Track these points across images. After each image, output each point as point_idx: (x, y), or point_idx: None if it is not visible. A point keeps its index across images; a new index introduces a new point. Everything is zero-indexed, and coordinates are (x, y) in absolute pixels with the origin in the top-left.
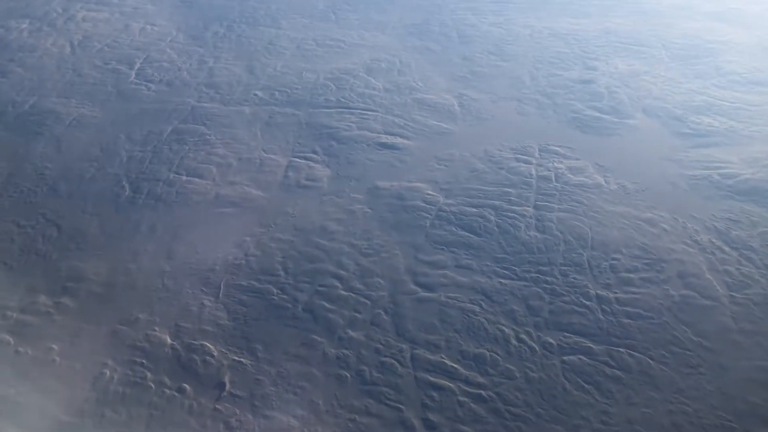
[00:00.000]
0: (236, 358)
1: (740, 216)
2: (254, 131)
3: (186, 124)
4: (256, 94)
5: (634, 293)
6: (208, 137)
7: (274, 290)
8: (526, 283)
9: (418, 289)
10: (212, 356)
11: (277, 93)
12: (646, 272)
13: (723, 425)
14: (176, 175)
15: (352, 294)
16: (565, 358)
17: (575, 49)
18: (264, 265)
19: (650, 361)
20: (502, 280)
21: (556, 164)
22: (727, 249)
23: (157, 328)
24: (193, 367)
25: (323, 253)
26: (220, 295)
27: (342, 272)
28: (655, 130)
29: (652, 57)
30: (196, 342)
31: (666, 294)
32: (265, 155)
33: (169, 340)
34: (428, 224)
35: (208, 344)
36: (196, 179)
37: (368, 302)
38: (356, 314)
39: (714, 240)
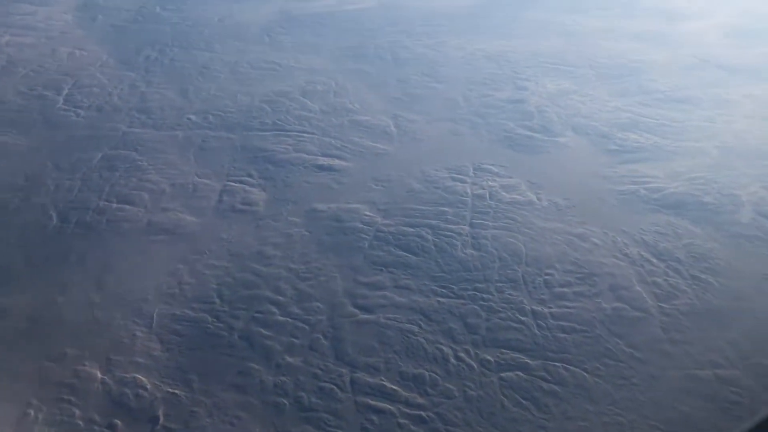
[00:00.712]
0: (170, 390)
1: (667, 228)
2: (187, 156)
3: (117, 151)
4: (189, 118)
5: (567, 307)
6: (139, 163)
7: (209, 318)
8: (463, 301)
9: (357, 312)
10: (145, 389)
11: (211, 117)
12: (579, 286)
13: None
14: (106, 203)
15: (289, 319)
16: (502, 374)
17: (506, 70)
18: (198, 293)
19: (585, 374)
20: (440, 299)
21: (490, 182)
22: (655, 261)
23: (86, 363)
24: (125, 401)
25: (260, 278)
26: (153, 325)
27: (279, 297)
28: (584, 147)
29: (579, 77)
30: (128, 375)
31: (598, 307)
32: (199, 180)
33: (99, 375)
34: (366, 245)
35: (141, 377)
36: (127, 206)
37: (306, 327)
38: (294, 340)
39: (643, 253)
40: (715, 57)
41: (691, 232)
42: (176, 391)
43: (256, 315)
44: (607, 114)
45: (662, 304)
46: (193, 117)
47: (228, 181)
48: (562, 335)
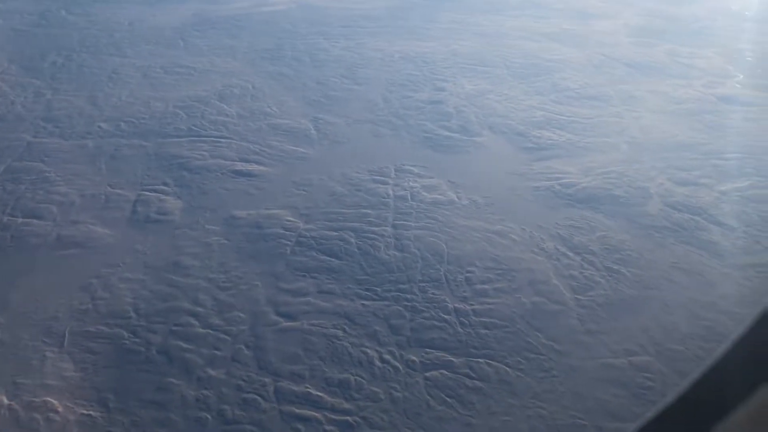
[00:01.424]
0: (84, 411)
1: (581, 222)
2: (98, 166)
3: (22, 162)
4: (99, 126)
5: (489, 304)
6: (47, 174)
7: (125, 334)
8: (387, 303)
9: (280, 320)
10: (56, 412)
11: (123, 124)
12: (499, 282)
13: (575, 424)
14: (11, 218)
15: (210, 331)
16: (427, 374)
17: (425, 71)
18: (113, 308)
19: (507, 369)
20: (365, 302)
21: (411, 183)
22: (570, 254)
23: None
24: (35, 427)
25: (177, 290)
26: (65, 344)
27: (199, 309)
28: (501, 145)
29: (495, 76)
30: (37, 399)
31: (518, 302)
32: (111, 190)
33: (5, 400)
34: (288, 251)
35: (52, 400)
36: (35, 220)
37: (228, 338)
38: (216, 352)
39: (559, 247)
40: (623, 55)
41: (604, 224)
42: (91, 413)
43: (175, 328)
44: (522, 113)
45: (579, 296)
46: (103, 125)
47: (142, 190)
48: (485, 331)
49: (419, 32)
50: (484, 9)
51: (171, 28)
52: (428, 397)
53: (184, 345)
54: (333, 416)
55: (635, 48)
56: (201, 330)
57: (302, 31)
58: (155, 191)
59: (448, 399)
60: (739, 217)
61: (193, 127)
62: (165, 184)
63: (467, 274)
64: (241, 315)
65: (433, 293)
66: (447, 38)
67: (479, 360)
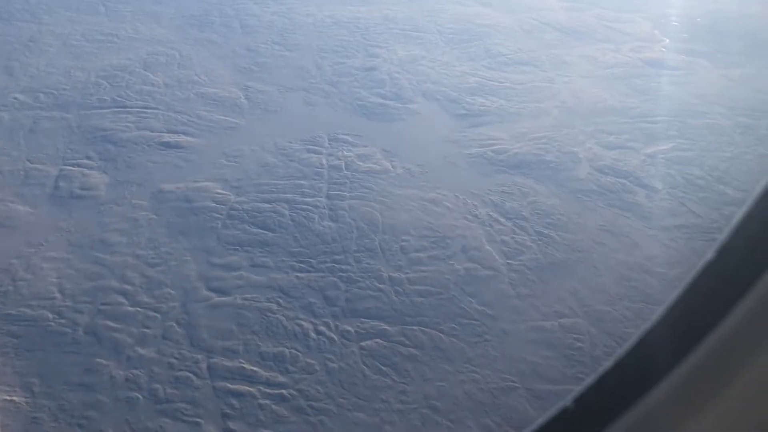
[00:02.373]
0: (7, 397)
1: (512, 188)
2: (16, 140)
3: None
4: (16, 98)
5: (423, 272)
6: None
7: (50, 315)
8: (322, 274)
9: (212, 295)
10: None
11: (41, 95)
12: (433, 250)
13: (508, 387)
14: None
15: (139, 309)
16: (362, 344)
17: (357, 37)
18: (36, 289)
19: (441, 335)
20: (299, 274)
21: (345, 153)
22: (502, 220)
23: None
24: None
25: (104, 268)
26: None
27: (127, 287)
28: (435, 112)
29: (428, 42)
30: None
31: (452, 269)
32: (31, 165)
33: None
34: (220, 225)
35: None
36: None
37: (158, 315)
38: (146, 330)
39: (491, 213)
40: (554, 20)
41: (535, 190)
42: (14, 398)
43: (103, 307)
44: (455, 79)
45: (510, 261)
46: (20, 96)
47: (64, 165)
48: (419, 299)
49: None
50: None
51: None
52: (364, 366)
53: (113, 324)
54: (268, 390)
55: (566, 13)
56: (130, 308)
57: None
58: (78, 166)
59: (383, 368)
60: (664, 179)
61: (117, 98)
62: (88, 158)
63: (402, 243)
64: (172, 292)
65: (368, 263)
66: (379, 3)
67: (413, 328)
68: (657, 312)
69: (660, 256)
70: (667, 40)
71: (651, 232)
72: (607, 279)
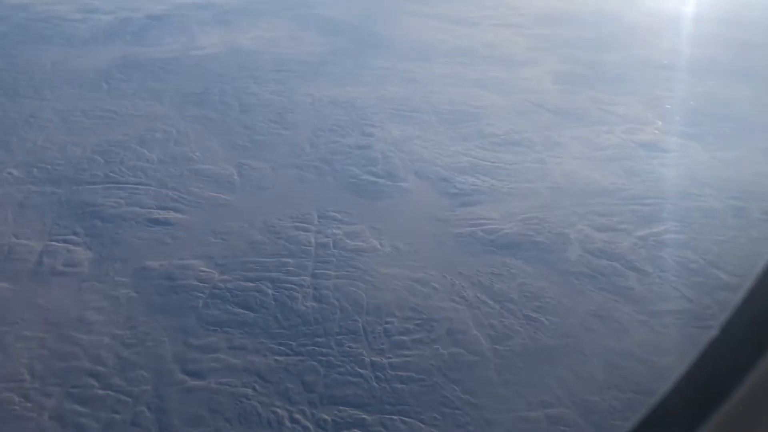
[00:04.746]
0: None
1: (502, 269)
2: (4, 215)
3: None
4: (10, 173)
5: (406, 356)
6: None
7: (16, 399)
8: (301, 358)
9: (186, 378)
10: None
11: (35, 170)
12: (418, 333)
13: None
14: None
15: (110, 392)
16: None
17: (353, 116)
18: (5, 370)
19: (422, 426)
20: (278, 357)
21: (334, 230)
22: (491, 303)
23: None
24: None
25: (78, 348)
26: None
27: (99, 368)
28: (426, 191)
29: (423, 122)
30: None
31: (436, 354)
32: (16, 241)
33: None
34: (201, 304)
35: None
36: None
37: (129, 399)
38: (114, 415)
39: (479, 295)
40: (547, 101)
41: (524, 271)
42: None
43: (72, 390)
44: (447, 158)
45: (497, 346)
46: (14, 171)
47: (50, 240)
48: (400, 386)
49: (349, 78)
50: (414, 56)
51: (95, 70)
52: None
53: (81, 409)
54: None
55: (559, 95)
56: (100, 391)
57: (232, 74)
58: (64, 241)
59: None
60: (656, 262)
61: (110, 174)
62: (75, 233)
63: (386, 325)
64: (145, 374)
65: (349, 346)
66: (376, 84)
67: (393, 417)
68: (659, 394)
69: (651, 343)
70: (660, 123)
71: (642, 317)
72: (596, 367)
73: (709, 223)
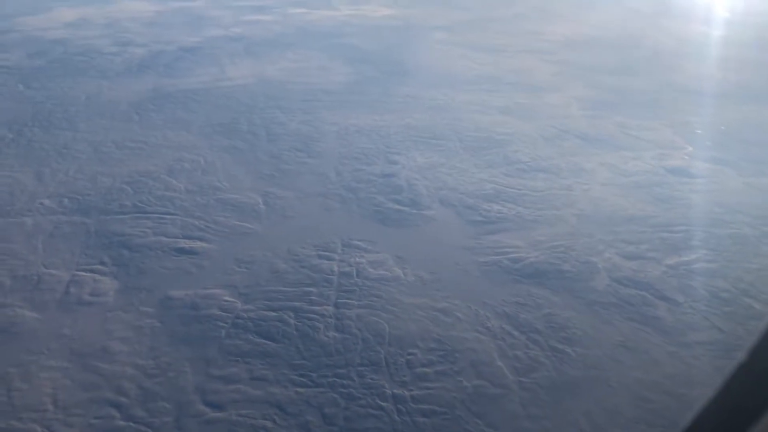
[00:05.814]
0: None
1: (527, 299)
2: (35, 244)
3: None
4: (42, 203)
5: (428, 388)
6: None
7: (39, 429)
8: (322, 390)
9: (207, 410)
10: None
11: (66, 200)
12: (441, 365)
13: None
14: None
15: (131, 423)
16: None
17: (379, 144)
18: (29, 400)
19: None
20: (299, 389)
21: (357, 259)
22: (516, 333)
23: None
24: None
25: (102, 378)
26: None
27: (122, 399)
28: (450, 219)
29: (448, 149)
30: None
31: (459, 386)
32: (45, 270)
33: None
34: (223, 334)
35: None
36: None
37: (150, 431)
38: None
39: (504, 325)
40: (575, 128)
41: (550, 301)
42: None
43: (94, 421)
44: (472, 186)
45: (522, 379)
46: (46, 201)
47: (77, 270)
48: (422, 419)
49: (375, 106)
50: (439, 84)
51: (127, 102)
52: None
53: None
54: None
55: (586, 120)
56: (122, 422)
57: (260, 105)
58: (91, 271)
59: None
60: (687, 292)
61: (138, 203)
62: (102, 263)
63: (408, 357)
64: (167, 405)
65: (371, 378)
66: (402, 112)
67: None
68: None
69: (681, 375)
70: (690, 148)
71: (671, 348)
72: (624, 399)
73: (741, 251)
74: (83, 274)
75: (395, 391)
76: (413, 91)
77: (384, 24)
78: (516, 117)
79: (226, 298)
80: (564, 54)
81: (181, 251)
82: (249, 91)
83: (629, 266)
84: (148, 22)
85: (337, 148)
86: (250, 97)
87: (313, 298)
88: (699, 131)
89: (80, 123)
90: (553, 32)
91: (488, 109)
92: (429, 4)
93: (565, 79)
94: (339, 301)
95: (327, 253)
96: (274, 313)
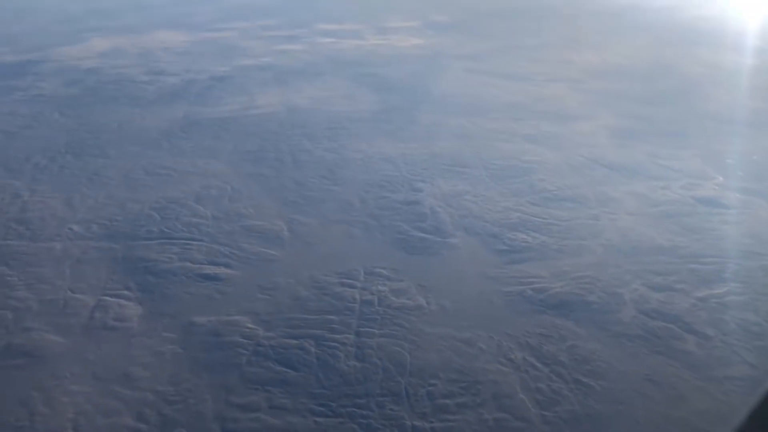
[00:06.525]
0: None
1: (551, 330)
2: (62, 269)
3: None
4: (70, 229)
5: (449, 421)
6: (8, 279)
7: None
8: (341, 420)
9: None
10: None
11: (95, 226)
12: (462, 397)
13: None
14: None
15: None
16: None
17: (404, 172)
18: (51, 425)
19: None
20: (317, 419)
21: (380, 287)
22: (539, 365)
23: None
24: None
25: (122, 404)
26: None
27: (141, 425)
28: (474, 248)
29: (473, 177)
30: None
31: (481, 419)
32: (71, 295)
33: None
34: (244, 361)
35: None
36: None
37: None
38: None
39: (527, 357)
40: (602, 157)
41: (575, 333)
42: None
43: None
44: (497, 214)
45: (544, 412)
46: (75, 227)
47: (103, 295)
48: None
49: (401, 133)
50: (465, 112)
51: (158, 129)
52: None
53: None
54: None
55: (614, 149)
56: None
57: (287, 132)
58: (116, 296)
59: None
60: (717, 325)
61: (165, 229)
62: (128, 288)
63: (429, 388)
64: None
65: (391, 409)
66: (427, 139)
67: None
68: None
69: (710, 412)
70: (721, 178)
71: (700, 383)
72: None
73: None
74: (108, 299)
75: (415, 422)
76: (439, 118)
77: (411, 53)
78: (543, 145)
79: (248, 325)
80: (592, 82)
81: (206, 277)
82: (277, 119)
83: (657, 298)
84: (180, 51)
85: (362, 175)
86: (278, 124)
87: (334, 326)
88: (730, 161)
89: (111, 150)
90: (581, 60)
91: (514, 137)
92: (457, 33)
93: (593, 108)
94: (360, 329)
95: (349, 281)
96: (294, 341)
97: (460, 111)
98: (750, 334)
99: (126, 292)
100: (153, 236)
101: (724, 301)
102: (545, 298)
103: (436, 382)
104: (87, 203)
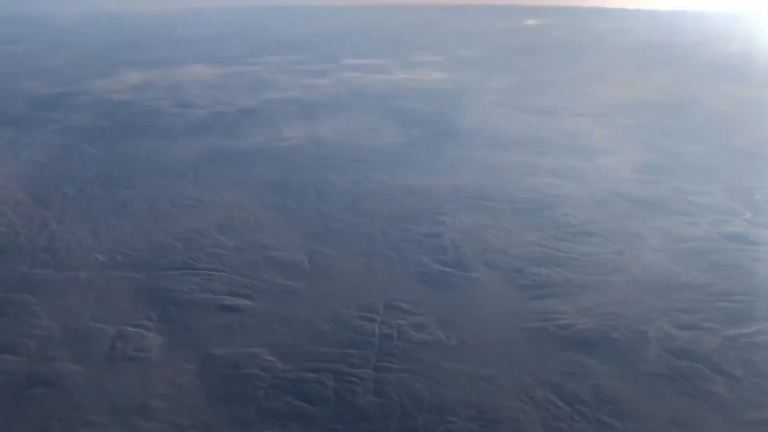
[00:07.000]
0: None
1: (574, 368)
2: (86, 298)
3: (11, 294)
4: (96, 258)
5: None
6: (33, 307)
7: None
8: None
9: None
10: None
11: (119, 256)
12: None
13: None
14: None
15: None
16: None
17: (426, 204)
18: None
19: None
20: None
21: (399, 321)
22: (561, 404)
23: None
24: None
25: None
26: None
27: None
28: (496, 282)
29: (496, 211)
30: None
31: None
32: (93, 325)
33: None
34: (262, 395)
35: None
36: (9, 356)
37: None
38: None
39: (549, 395)
40: (627, 191)
41: (599, 371)
42: None
43: None
44: (520, 248)
45: None
46: (100, 257)
47: (124, 325)
48: None
49: (424, 166)
50: (489, 145)
51: (185, 161)
52: None
53: None
54: None
55: (639, 184)
56: None
57: (312, 164)
58: (138, 326)
59: None
60: (746, 366)
61: (187, 260)
62: (149, 318)
63: (447, 425)
64: None
65: None
66: (451, 172)
67: None
68: None
69: None
70: (749, 214)
71: (729, 426)
72: None
73: None
74: (130, 329)
75: None
76: (463, 152)
77: (436, 87)
78: (566, 179)
79: (267, 357)
80: (617, 117)
81: (226, 308)
82: (302, 151)
83: (683, 336)
84: (210, 85)
85: (384, 207)
86: (303, 157)
87: (353, 360)
88: (758, 196)
89: (139, 181)
90: (606, 95)
91: (538, 171)
92: (482, 68)
93: (618, 142)
94: (379, 364)
95: (369, 314)
96: (313, 375)
97: (484, 144)
98: None
99: (147, 323)
100: (176, 266)
101: (754, 341)
102: (568, 335)
103: (454, 420)
104: (113, 233)
